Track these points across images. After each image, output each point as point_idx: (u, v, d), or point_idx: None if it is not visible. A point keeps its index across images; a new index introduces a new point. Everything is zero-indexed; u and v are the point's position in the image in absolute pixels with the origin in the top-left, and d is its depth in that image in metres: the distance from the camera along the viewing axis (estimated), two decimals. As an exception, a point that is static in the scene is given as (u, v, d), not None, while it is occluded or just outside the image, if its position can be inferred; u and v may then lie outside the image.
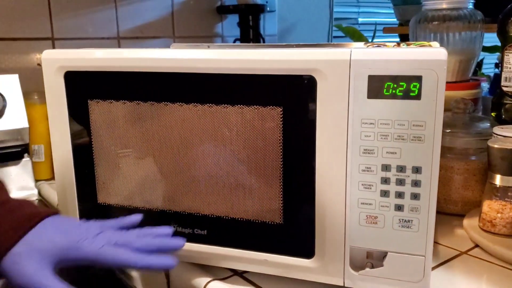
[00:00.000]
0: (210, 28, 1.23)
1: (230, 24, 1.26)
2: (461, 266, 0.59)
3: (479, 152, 0.74)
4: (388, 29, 1.09)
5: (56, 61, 0.56)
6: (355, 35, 1.29)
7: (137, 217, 0.52)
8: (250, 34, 1.20)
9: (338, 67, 0.45)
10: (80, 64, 0.55)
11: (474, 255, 0.62)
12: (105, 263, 0.43)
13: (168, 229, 0.49)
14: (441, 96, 0.43)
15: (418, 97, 0.44)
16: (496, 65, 1.80)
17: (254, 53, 0.49)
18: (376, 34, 1.51)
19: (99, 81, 0.55)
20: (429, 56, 0.43)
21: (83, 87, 0.56)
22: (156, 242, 0.46)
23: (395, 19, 1.84)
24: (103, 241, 0.43)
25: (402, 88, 0.44)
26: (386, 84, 0.44)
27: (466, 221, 0.68)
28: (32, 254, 0.40)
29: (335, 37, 1.55)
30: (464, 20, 0.84)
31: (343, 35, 1.47)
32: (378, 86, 0.45)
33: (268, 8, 1.25)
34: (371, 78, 0.45)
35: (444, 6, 0.85)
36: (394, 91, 0.44)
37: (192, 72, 0.51)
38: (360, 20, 1.76)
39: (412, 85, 0.44)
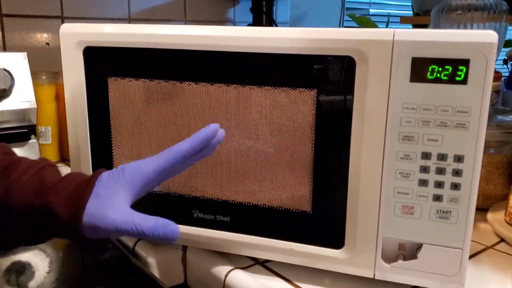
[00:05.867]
0: (222, 12, 1.20)
1: (243, 10, 1.23)
2: (489, 260, 0.57)
3: (500, 145, 0.72)
4: (405, 19, 1.06)
5: (75, 35, 0.53)
6: (369, 26, 1.26)
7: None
8: (263, 20, 1.17)
9: (379, 48, 0.43)
10: (101, 39, 0.53)
11: (500, 249, 0.60)
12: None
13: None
14: (489, 82, 0.41)
15: (464, 81, 0.42)
16: (505, 62, 1.77)
17: (287, 31, 0.47)
18: (389, 26, 1.48)
19: (120, 58, 0.52)
20: (479, 38, 0.41)
21: (103, 64, 0.53)
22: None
23: (405, 11, 1.81)
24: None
25: (447, 72, 0.42)
26: (430, 67, 0.42)
27: (490, 215, 0.66)
28: (108, 199, 0.41)
29: (346, 27, 1.52)
30: (489, 10, 0.82)
31: (354, 25, 1.44)
32: (422, 69, 0.42)
33: (281, -5, 1.22)
34: (415, 61, 0.42)
35: (469, -5, 0.83)
36: (438, 75, 0.42)
37: (218, 50, 0.49)
38: (371, 11, 1.73)
39: (458, 69, 0.41)
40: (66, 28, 0.54)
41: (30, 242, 0.43)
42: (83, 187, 0.41)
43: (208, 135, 0.45)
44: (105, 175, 0.43)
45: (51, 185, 0.41)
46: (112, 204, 0.41)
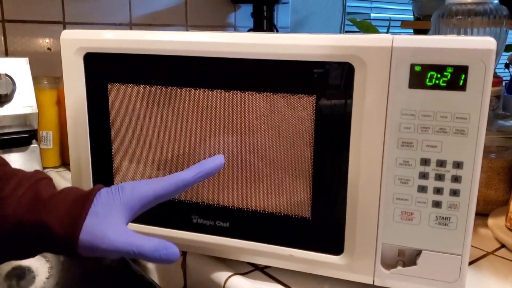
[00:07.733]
0: (223, 17, 1.21)
1: (244, 14, 1.23)
2: (489, 266, 0.57)
3: (501, 150, 0.72)
4: (406, 23, 1.07)
5: (76, 41, 0.54)
6: (369, 30, 1.26)
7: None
8: (264, 25, 1.18)
9: (378, 54, 0.43)
10: (101, 46, 0.53)
11: (501, 255, 0.60)
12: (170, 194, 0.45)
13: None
14: (487, 88, 0.41)
15: (463, 88, 0.42)
16: (506, 66, 1.77)
17: (286, 37, 0.47)
18: (390, 30, 1.48)
19: (120, 64, 0.53)
20: (477, 45, 0.41)
21: (104, 70, 0.54)
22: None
23: (407, 16, 1.81)
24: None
25: (446, 79, 0.42)
26: (429, 74, 0.42)
27: (491, 221, 0.66)
28: (107, 218, 0.40)
29: (347, 31, 1.53)
30: (489, 15, 0.82)
31: (355, 29, 1.44)
32: (420, 76, 0.42)
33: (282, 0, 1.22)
34: (414, 67, 0.42)
35: (469, 0, 0.83)
36: (437, 81, 0.42)
37: (218, 57, 0.49)
38: (372, 15, 1.74)
39: (457, 76, 0.41)
40: (67, 34, 0.54)
41: (20, 256, 0.42)
42: (80, 203, 0.40)
43: (214, 169, 0.46)
44: (104, 192, 0.42)
45: (46, 200, 0.40)
46: (110, 224, 0.40)
